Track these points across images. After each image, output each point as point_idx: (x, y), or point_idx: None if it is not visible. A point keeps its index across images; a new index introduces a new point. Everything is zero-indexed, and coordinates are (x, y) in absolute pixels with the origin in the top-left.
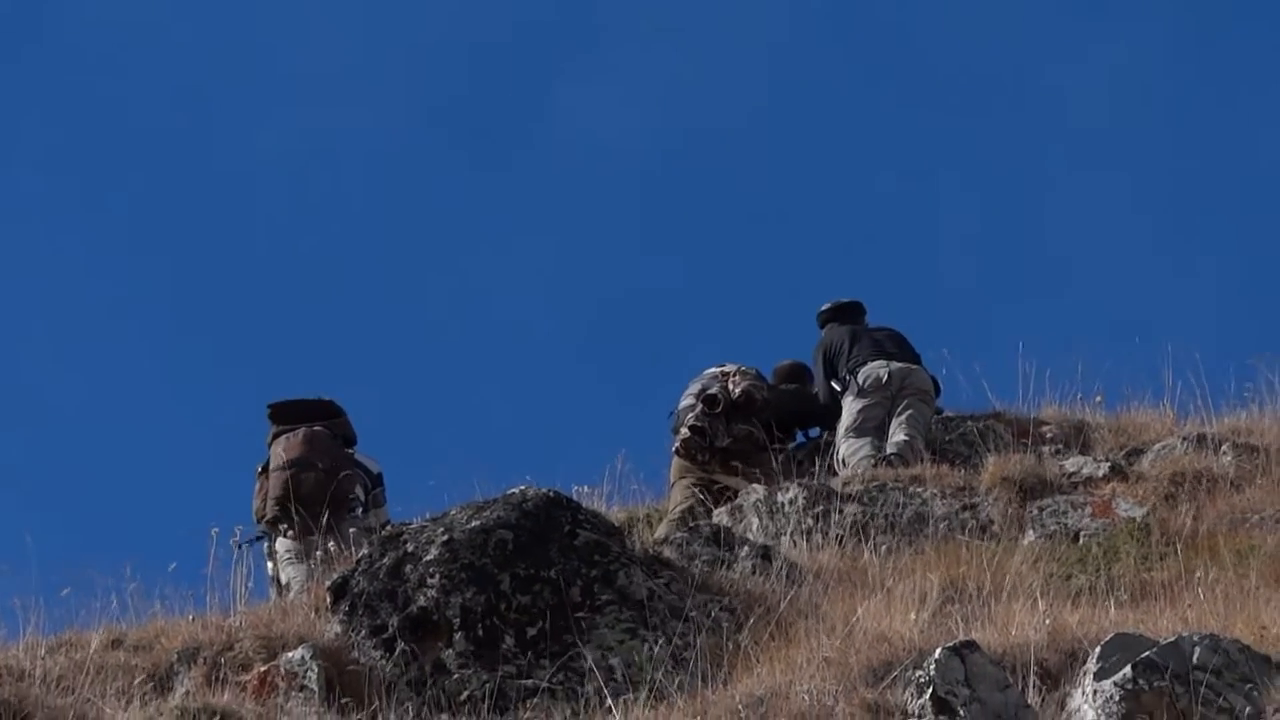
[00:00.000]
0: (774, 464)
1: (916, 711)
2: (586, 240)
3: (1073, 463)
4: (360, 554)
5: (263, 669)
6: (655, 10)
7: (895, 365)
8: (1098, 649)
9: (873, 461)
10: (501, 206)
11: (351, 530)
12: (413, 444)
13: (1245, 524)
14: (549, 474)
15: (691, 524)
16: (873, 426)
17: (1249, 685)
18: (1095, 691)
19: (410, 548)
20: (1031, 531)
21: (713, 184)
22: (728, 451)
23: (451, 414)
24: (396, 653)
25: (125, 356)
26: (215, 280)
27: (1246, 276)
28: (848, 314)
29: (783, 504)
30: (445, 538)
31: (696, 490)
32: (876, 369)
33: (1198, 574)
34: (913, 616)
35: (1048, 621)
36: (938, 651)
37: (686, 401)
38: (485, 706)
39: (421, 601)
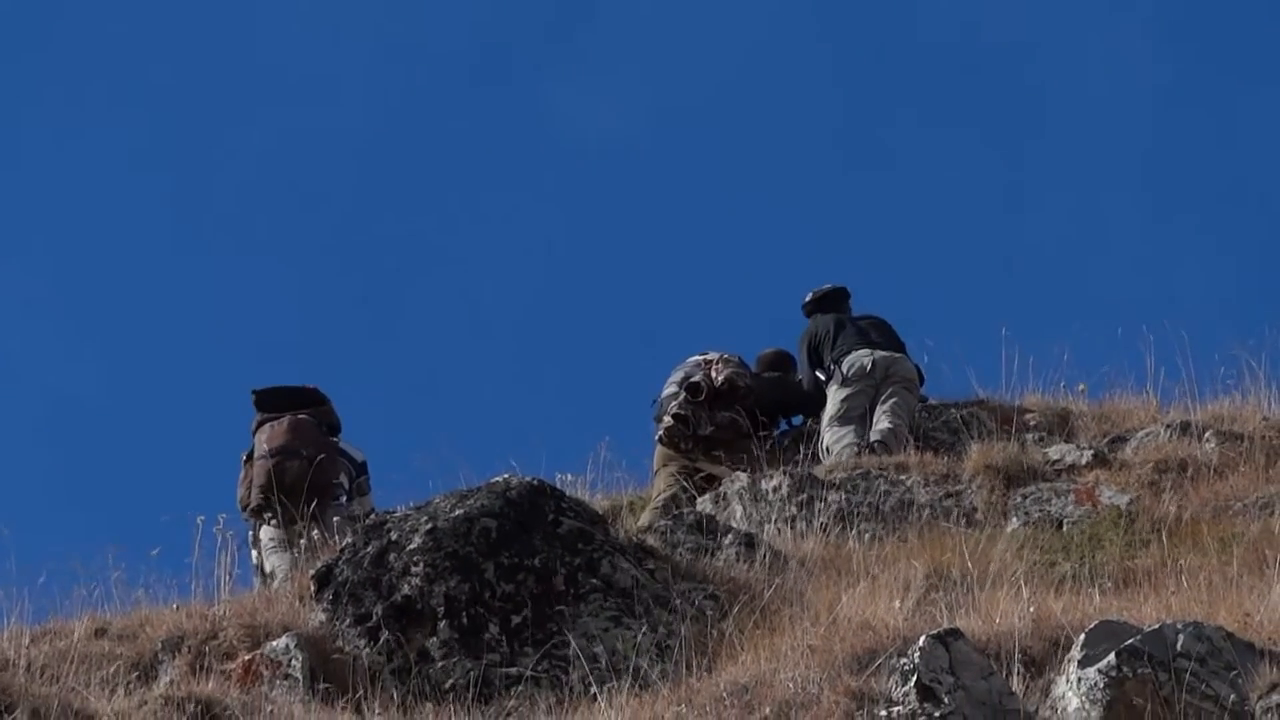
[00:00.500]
0: (758, 452)
1: (900, 699)
2: (568, 226)
3: (1056, 450)
4: (344, 542)
5: (247, 658)
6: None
7: (880, 354)
8: (1081, 637)
9: (857, 450)
10: (484, 191)
11: (335, 518)
12: (396, 432)
13: (1228, 511)
14: (532, 462)
15: (675, 512)
16: (857, 415)
17: (1233, 672)
18: (1079, 679)
19: (394, 536)
20: (1015, 519)
21: (694, 168)
22: (711, 439)
23: (435, 402)
24: (381, 641)
25: (107, 343)
26: (199, 265)
27: (1231, 263)
28: (832, 302)
29: (767, 492)
30: (429, 526)
31: (680, 478)
32: (861, 358)
33: (1181, 561)
34: (897, 604)
35: (1032, 609)
36: (922, 639)
37: (669, 390)
38: (469, 695)
39: (405, 590)
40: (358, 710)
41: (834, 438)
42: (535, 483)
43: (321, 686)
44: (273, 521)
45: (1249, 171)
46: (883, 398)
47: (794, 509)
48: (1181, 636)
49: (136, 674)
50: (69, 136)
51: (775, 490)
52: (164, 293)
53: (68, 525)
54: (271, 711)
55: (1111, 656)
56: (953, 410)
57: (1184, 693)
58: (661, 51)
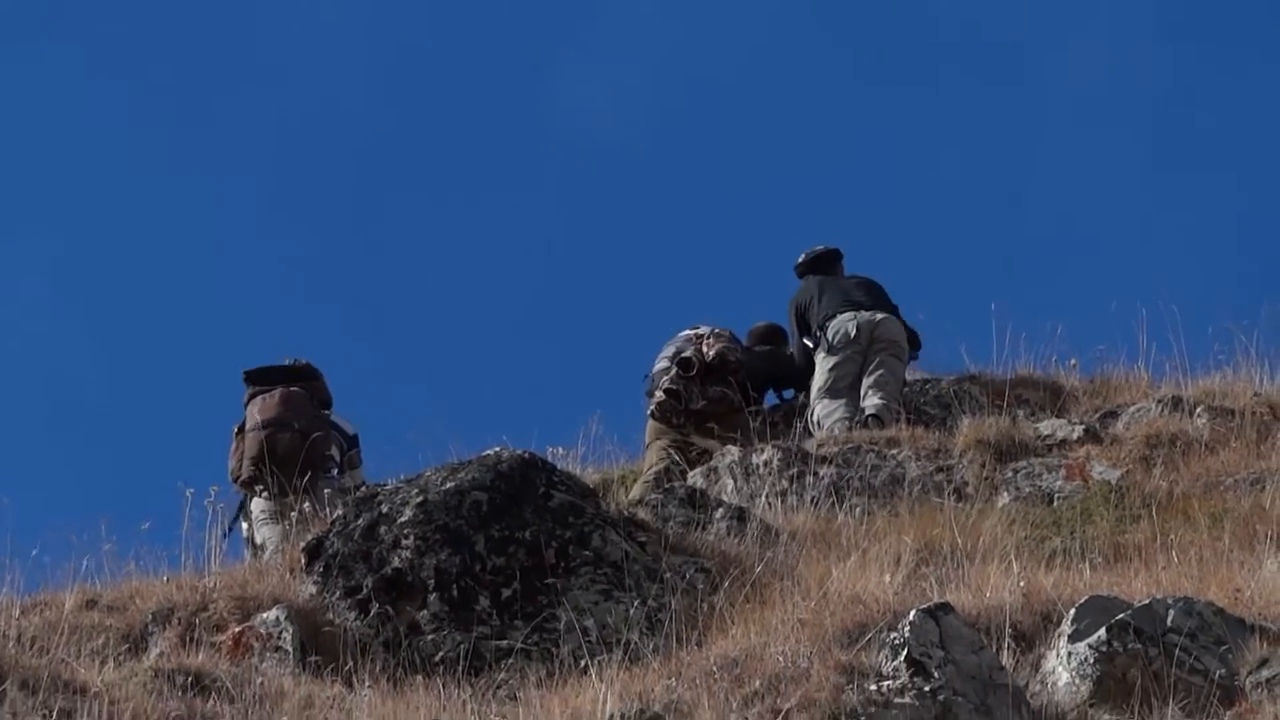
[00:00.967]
0: (749, 426)
1: (891, 673)
2: (567, 221)
3: (1047, 425)
4: (335, 515)
5: (237, 630)
6: None
7: (863, 316)
8: (1072, 611)
9: (848, 424)
10: (485, 185)
11: (327, 491)
12: (388, 406)
13: (1219, 487)
14: (524, 435)
15: (666, 486)
16: (845, 386)
17: (1223, 647)
18: (1069, 654)
19: (385, 509)
20: (1006, 494)
21: (695, 164)
22: (702, 414)
23: (426, 375)
24: (371, 614)
25: (100, 316)
26: (191, 246)
27: (1224, 240)
28: (823, 263)
29: (758, 466)
30: (420, 499)
31: (672, 452)
32: (844, 323)
33: (1172, 537)
34: (887, 578)
35: (1022, 584)
36: (912, 613)
37: (661, 364)
38: (460, 668)
39: (396, 563)
40: (348, 682)
41: (824, 411)
42: (526, 456)
43: (312, 659)
44: (264, 494)
45: (1248, 169)
46: (870, 368)
47: (785, 483)
48: (1172, 611)
49: (126, 646)
50: (69, 128)
51: (766, 464)
52: (159, 277)
53: (66, 498)
54: (261, 683)
55: (1102, 631)
56: (944, 385)
57: (1174, 667)
58: (663, 47)
